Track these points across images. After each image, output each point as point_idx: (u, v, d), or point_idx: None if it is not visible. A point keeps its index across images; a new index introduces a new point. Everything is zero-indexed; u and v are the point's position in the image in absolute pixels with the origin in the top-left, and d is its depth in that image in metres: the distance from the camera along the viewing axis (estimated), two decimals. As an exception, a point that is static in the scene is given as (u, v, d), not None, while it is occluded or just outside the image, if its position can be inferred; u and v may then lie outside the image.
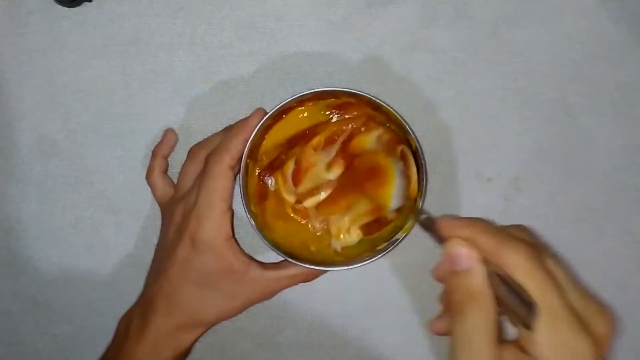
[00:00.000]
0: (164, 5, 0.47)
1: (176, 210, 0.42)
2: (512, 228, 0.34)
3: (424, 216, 0.36)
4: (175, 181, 0.46)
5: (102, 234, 0.48)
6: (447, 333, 0.33)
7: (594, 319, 0.29)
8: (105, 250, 0.48)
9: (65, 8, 0.47)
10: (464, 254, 0.31)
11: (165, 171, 0.46)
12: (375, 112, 0.42)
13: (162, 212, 0.45)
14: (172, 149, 0.47)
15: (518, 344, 0.30)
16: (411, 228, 0.41)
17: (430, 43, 0.47)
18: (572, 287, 0.30)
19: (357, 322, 0.48)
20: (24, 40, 0.48)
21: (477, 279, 0.30)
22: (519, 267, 0.30)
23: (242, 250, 0.42)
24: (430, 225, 0.34)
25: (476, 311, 0.29)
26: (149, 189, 0.46)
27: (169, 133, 0.47)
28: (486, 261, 0.31)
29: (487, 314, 0.29)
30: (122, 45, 0.47)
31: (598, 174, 0.47)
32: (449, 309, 0.32)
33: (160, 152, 0.46)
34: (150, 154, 0.47)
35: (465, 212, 0.47)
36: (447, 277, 0.32)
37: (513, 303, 0.29)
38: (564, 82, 0.47)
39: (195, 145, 0.45)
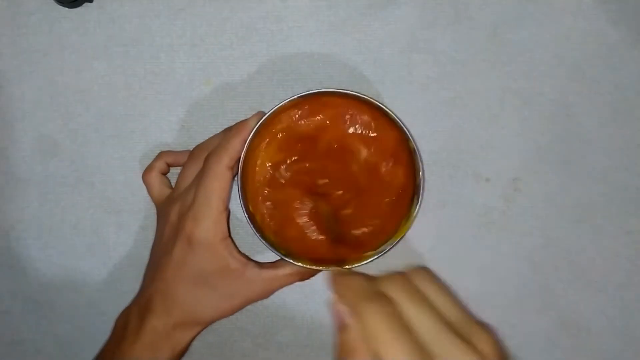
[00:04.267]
0: (165, 7, 0.47)
1: (172, 209, 0.42)
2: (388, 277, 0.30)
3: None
4: (173, 184, 0.46)
5: (102, 234, 0.48)
6: None
7: (477, 336, 0.27)
8: (105, 250, 0.48)
9: (66, 9, 0.47)
10: (342, 310, 0.29)
11: (164, 174, 0.46)
12: (375, 112, 0.42)
13: (157, 212, 0.45)
14: (177, 163, 0.46)
15: None
16: (408, 229, 0.41)
17: (429, 44, 0.47)
18: (449, 306, 0.28)
19: (356, 322, 0.48)
20: (25, 40, 0.48)
21: (352, 335, 0.28)
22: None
23: (238, 250, 0.42)
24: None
25: None
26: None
27: (186, 153, 0.46)
28: None
29: None
30: (122, 46, 0.48)
31: (597, 174, 0.47)
32: None
33: (166, 157, 0.46)
34: (150, 154, 0.47)
35: (463, 213, 0.47)
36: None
37: None
38: (564, 82, 0.47)
39: (196, 147, 0.45)
